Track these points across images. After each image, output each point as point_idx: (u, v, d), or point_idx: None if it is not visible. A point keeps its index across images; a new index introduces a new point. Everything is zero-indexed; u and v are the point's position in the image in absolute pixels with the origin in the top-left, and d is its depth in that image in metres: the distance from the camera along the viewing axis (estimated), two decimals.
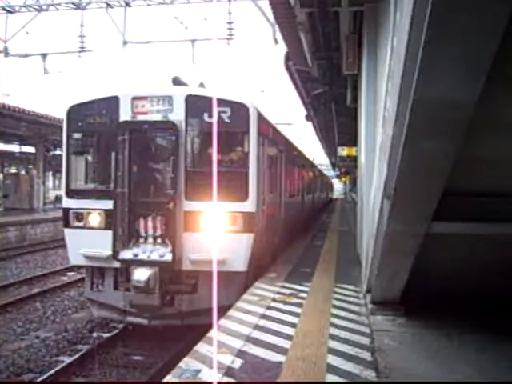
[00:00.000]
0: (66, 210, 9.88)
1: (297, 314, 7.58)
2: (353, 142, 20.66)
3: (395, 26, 5.14)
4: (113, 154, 9.49)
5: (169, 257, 9.02)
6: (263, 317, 7.45)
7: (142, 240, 9.32)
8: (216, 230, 8.79)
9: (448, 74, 3.87)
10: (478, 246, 6.43)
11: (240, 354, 5.90)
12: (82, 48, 17.43)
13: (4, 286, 14.46)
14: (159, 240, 9.29)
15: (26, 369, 8.49)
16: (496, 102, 4.50)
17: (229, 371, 5.36)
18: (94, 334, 10.24)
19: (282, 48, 14.32)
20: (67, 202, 9.94)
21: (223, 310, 7.70)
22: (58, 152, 33.46)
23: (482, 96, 4.04)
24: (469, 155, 5.03)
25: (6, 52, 17.86)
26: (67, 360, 8.65)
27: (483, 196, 5.81)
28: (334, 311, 7.76)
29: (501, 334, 6.61)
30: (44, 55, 18.47)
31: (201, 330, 7.26)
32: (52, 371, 8.09)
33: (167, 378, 5.26)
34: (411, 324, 7.18)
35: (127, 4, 16.71)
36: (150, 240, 9.30)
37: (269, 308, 7.94)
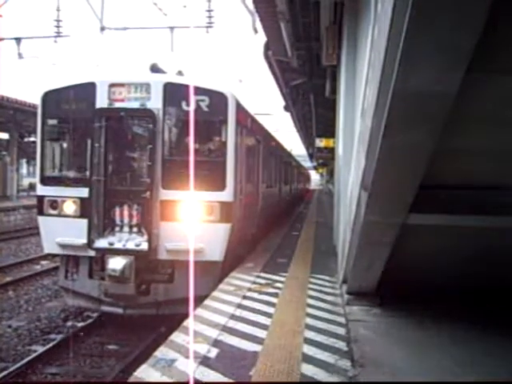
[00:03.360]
0: (41, 198, 9.72)
1: (273, 304, 7.60)
2: (331, 133, 20.74)
3: (376, 16, 5.13)
4: (89, 142, 9.36)
5: (145, 246, 8.95)
6: (239, 306, 7.45)
7: (117, 229, 9.24)
8: (193, 220, 8.75)
9: (428, 66, 3.88)
10: (454, 238, 6.48)
11: (216, 343, 5.90)
12: (58, 33, 17.07)
13: None
14: (135, 229, 9.22)
15: None
16: (474, 94, 4.52)
17: (205, 360, 5.35)
18: (68, 323, 10.13)
19: (262, 37, 14.25)
20: (41, 190, 9.79)
21: (199, 300, 7.69)
22: (32, 139, 32.92)
23: (461, 88, 4.06)
24: (446, 147, 5.06)
25: None
26: (40, 349, 8.54)
27: (459, 188, 5.87)
28: (310, 301, 7.80)
29: (477, 323, 6.71)
30: (18, 39, 18.07)
31: (176, 320, 7.23)
32: (24, 361, 7.99)
33: (142, 368, 5.23)
34: (387, 314, 7.24)
35: None
36: (126, 229, 9.23)
37: (245, 298, 7.95)
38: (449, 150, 5.23)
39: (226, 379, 4.92)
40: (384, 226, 6.13)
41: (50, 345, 8.69)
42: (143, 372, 5.11)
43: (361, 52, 8.36)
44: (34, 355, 8.24)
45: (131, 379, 5.03)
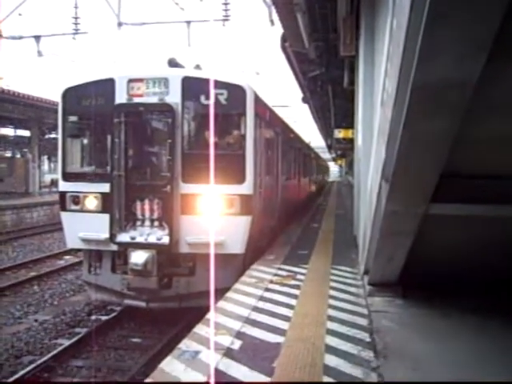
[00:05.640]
0: (63, 194, 9.84)
1: (295, 296, 7.62)
2: (349, 124, 20.62)
3: (394, 6, 5.08)
4: (109, 137, 9.44)
5: (166, 239, 9.01)
6: (261, 298, 7.48)
7: (139, 223, 9.32)
8: (213, 213, 8.79)
9: (448, 55, 3.84)
10: (476, 228, 6.43)
11: (239, 335, 5.94)
12: (76, 30, 17.21)
13: (1, 270, 14.47)
14: (156, 223, 9.28)
15: (25, 351, 8.54)
16: (496, 82, 4.47)
17: (228, 352, 5.40)
18: (92, 317, 10.29)
19: (279, 29, 14.22)
20: (63, 186, 9.91)
21: (221, 293, 7.73)
22: (53, 135, 33.30)
23: (481, 77, 4.02)
24: (468, 137, 5.01)
25: None
26: (66, 343, 8.69)
27: (481, 178, 5.80)
28: (332, 293, 7.80)
29: (499, 314, 6.65)
30: (37, 37, 18.24)
31: (199, 313, 7.29)
32: (51, 354, 8.14)
33: (167, 360, 5.30)
34: (409, 305, 7.23)
35: None
36: (147, 223, 9.30)
37: (267, 290, 7.98)
38: (470, 138, 5.18)
39: (249, 371, 4.96)
40: (405, 216, 6.10)
41: (76, 338, 8.84)
42: (168, 364, 5.17)
43: (379, 42, 8.30)
44: (60, 348, 8.39)
45: (157, 371, 5.10)
